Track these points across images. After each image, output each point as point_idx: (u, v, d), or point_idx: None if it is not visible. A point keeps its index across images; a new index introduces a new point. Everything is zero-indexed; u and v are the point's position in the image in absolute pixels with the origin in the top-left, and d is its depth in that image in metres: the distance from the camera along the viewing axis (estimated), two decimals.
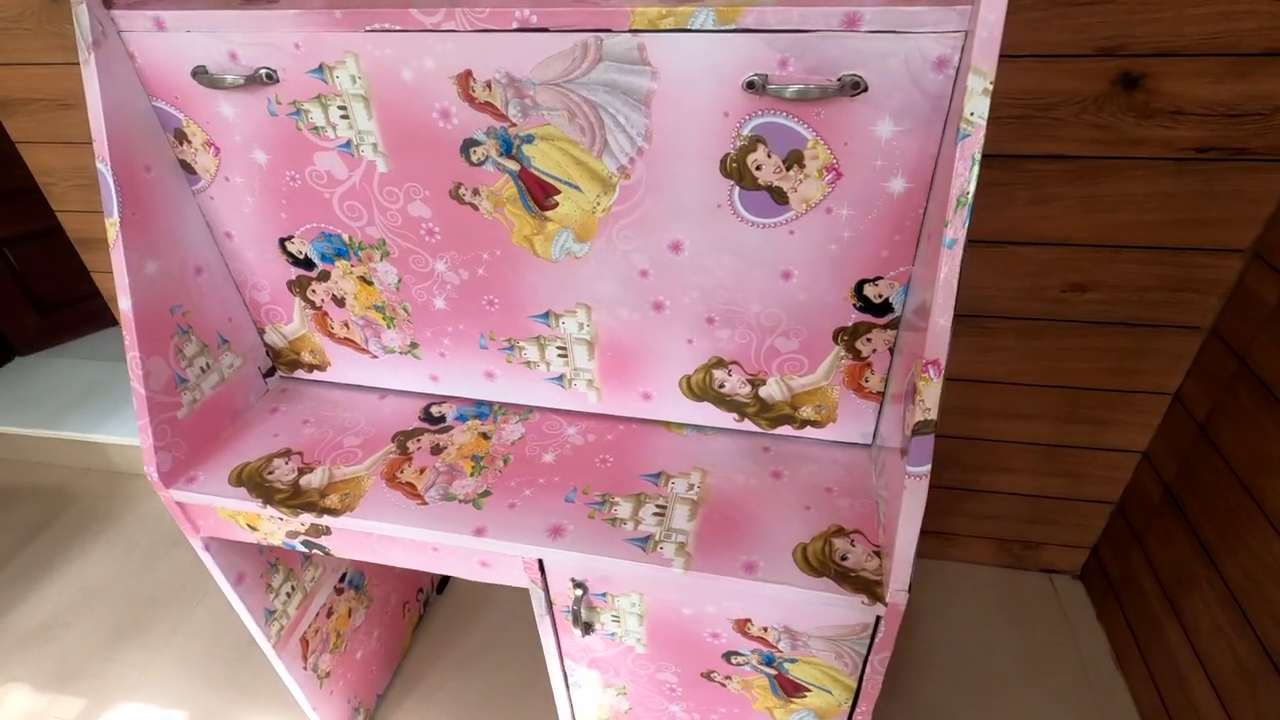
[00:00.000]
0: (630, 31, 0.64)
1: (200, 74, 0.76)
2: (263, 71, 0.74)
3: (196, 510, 0.90)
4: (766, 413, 0.89)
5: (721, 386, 0.88)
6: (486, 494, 0.85)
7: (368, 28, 0.70)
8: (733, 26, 0.62)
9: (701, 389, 0.89)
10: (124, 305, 0.81)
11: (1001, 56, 1.00)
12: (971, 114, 0.57)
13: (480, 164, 0.76)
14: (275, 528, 0.89)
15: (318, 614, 1.21)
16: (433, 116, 0.74)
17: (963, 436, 1.43)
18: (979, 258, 1.20)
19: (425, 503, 0.85)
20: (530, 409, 0.98)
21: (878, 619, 0.74)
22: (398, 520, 0.83)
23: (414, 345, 0.95)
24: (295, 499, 0.86)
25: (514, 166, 0.76)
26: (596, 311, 0.85)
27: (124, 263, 0.80)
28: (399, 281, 0.89)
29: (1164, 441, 1.31)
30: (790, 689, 0.87)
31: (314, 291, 0.93)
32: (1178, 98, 1.00)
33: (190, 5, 0.76)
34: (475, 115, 0.73)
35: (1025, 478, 1.46)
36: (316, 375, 1.04)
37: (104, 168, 0.77)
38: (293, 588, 1.14)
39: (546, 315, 0.87)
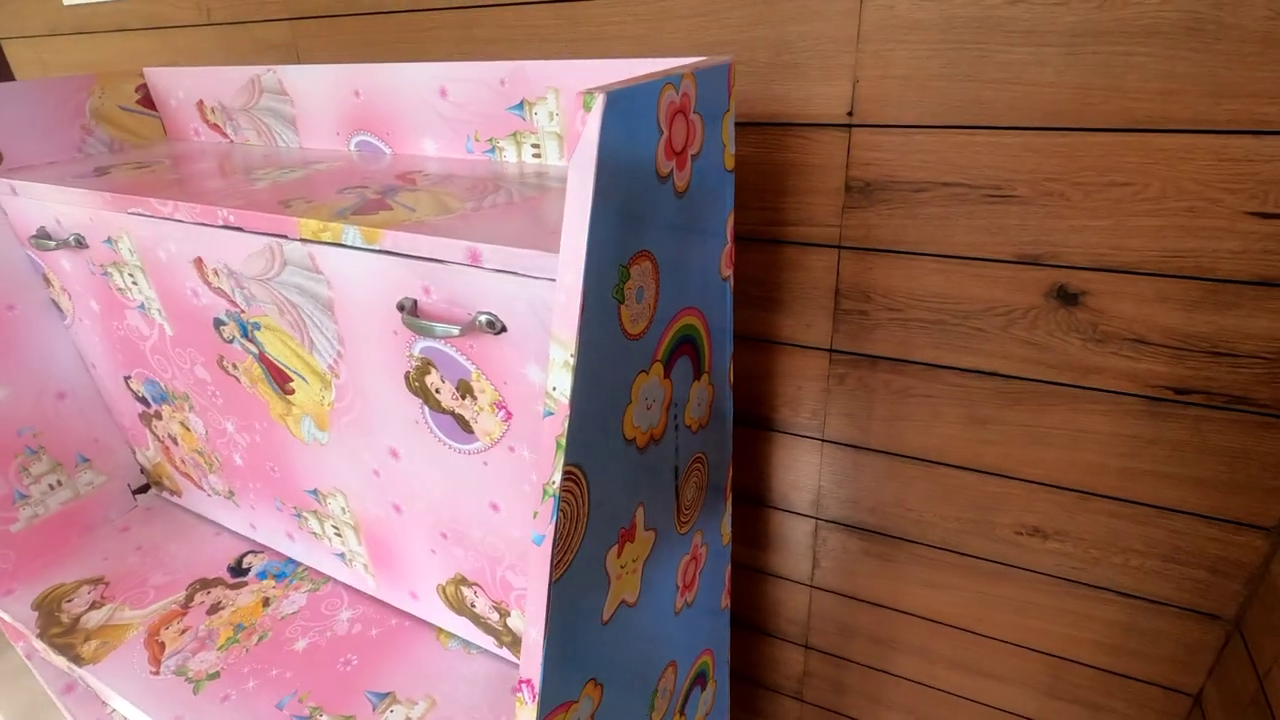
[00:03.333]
0: (300, 240, 0.61)
1: (40, 234, 0.84)
2: (73, 237, 0.80)
3: (7, 625, 0.94)
4: (521, 646, 0.76)
5: (473, 606, 0.77)
6: (215, 675, 0.80)
7: (129, 210, 0.73)
8: (376, 247, 0.56)
9: (458, 603, 0.78)
10: None
11: (897, 252, 0.84)
12: (554, 389, 0.45)
13: (230, 341, 0.75)
14: (58, 661, 0.90)
15: None
16: (188, 293, 0.75)
17: (916, 680, 1.15)
18: (904, 475, 0.98)
19: (158, 673, 0.81)
20: (327, 578, 0.93)
21: None
22: (119, 686, 0.80)
23: (231, 493, 0.95)
24: (63, 637, 0.87)
25: (254, 349, 0.74)
26: (351, 499, 0.79)
27: None
28: (206, 433, 0.90)
29: None
30: None
31: (156, 427, 0.97)
32: (1135, 323, 0.77)
33: (44, 175, 0.84)
34: (215, 298, 0.73)
35: None
36: (177, 500, 1.07)
37: None
38: None
39: (315, 492, 0.82)
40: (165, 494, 1.08)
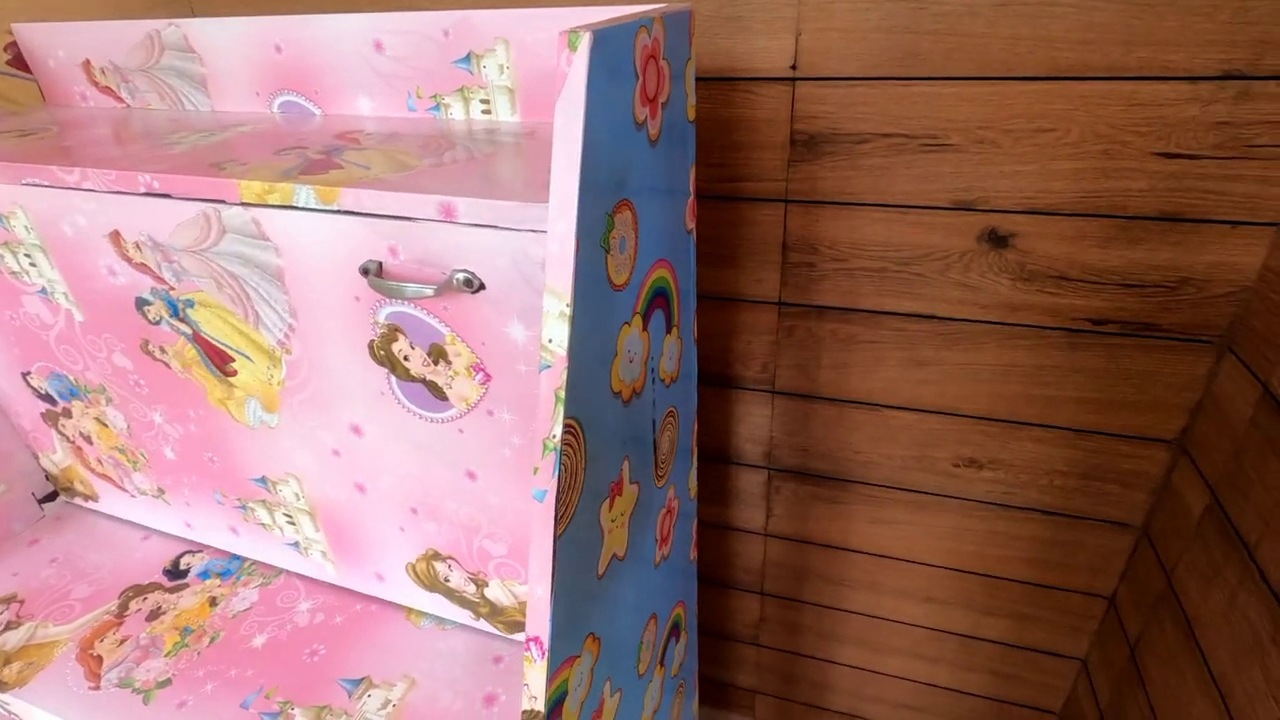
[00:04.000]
0: (242, 205, 0.56)
1: None
2: None
3: None
4: (500, 616, 0.75)
5: (447, 580, 0.75)
6: (166, 683, 0.75)
7: (23, 181, 0.65)
8: (334, 207, 0.53)
9: (430, 579, 0.76)
10: None
11: (841, 204, 0.87)
12: (549, 340, 0.44)
13: (157, 323, 0.69)
14: None
15: None
16: (102, 272, 0.68)
17: (865, 613, 1.22)
18: (850, 420, 1.03)
19: (98, 688, 0.75)
20: (278, 571, 0.88)
21: None
22: (53, 707, 0.73)
23: (161, 490, 0.88)
24: None
25: (187, 329, 0.68)
26: (306, 483, 0.75)
27: None
28: (129, 428, 0.82)
29: (1100, 654, 1.07)
30: None
31: (64, 426, 0.88)
32: (1058, 261, 0.83)
33: None
34: (137, 275, 0.66)
35: (944, 668, 1.23)
36: (92, 505, 0.98)
37: None
38: None
39: (264, 480, 0.77)
40: (78, 500, 0.99)
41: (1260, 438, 0.74)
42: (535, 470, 0.46)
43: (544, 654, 0.49)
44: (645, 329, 0.59)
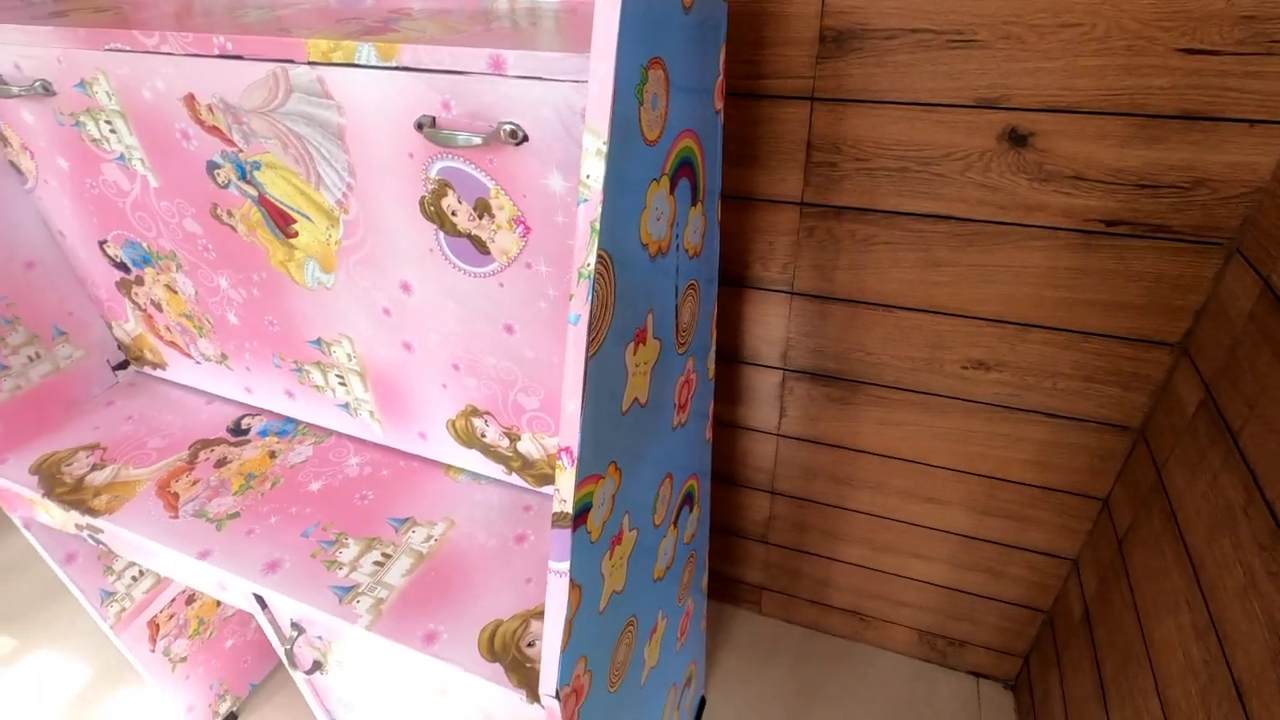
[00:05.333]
0: (309, 64, 0.61)
1: None
2: (39, 83, 0.77)
3: (5, 492, 0.95)
4: (530, 469, 0.83)
5: (484, 436, 0.83)
6: (235, 515, 0.85)
7: (106, 46, 0.70)
8: (393, 64, 0.58)
9: (468, 436, 0.84)
10: None
11: (866, 102, 0.90)
12: (588, 176, 0.50)
13: (225, 186, 0.76)
14: (64, 519, 0.92)
15: (173, 600, 1.25)
16: (176, 136, 0.74)
17: (870, 513, 1.29)
18: (864, 321, 1.07)
19: (177, 516, 0.85)
20: (329, 432, 0.97)
21: None
22: (140, 530, 0.83)
23: (224, 356, 0.96)
24: (72, 494, 0.89)
25: (253, 192, 0.74)
26: (358, 344, 0.82)
27: None
28: (196, 294, 0.90)
29: (1091, 553, 1.13)
30: None
31: (137, 294, 0.96)
32: (1076, 161, 0.85)
33: (3, 15, 0.79)
34: (208, 139, 0.72)
35: (941, 567, 1.30)
36: (160, 374, 1.07)
37: None
38: (141, 572, 1.18)
39: (319, 342, 0.85)
40: (147, 369, 1.08)
41: (1255, 330, 0.77)
42: (571, 296, 0.52)
43: (574, 462, 0.56)
44: (672, 193, 0.64)
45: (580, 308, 0.52)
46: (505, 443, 0.82)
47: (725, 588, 1.57)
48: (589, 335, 0.53)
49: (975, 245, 0.95)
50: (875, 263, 1.02)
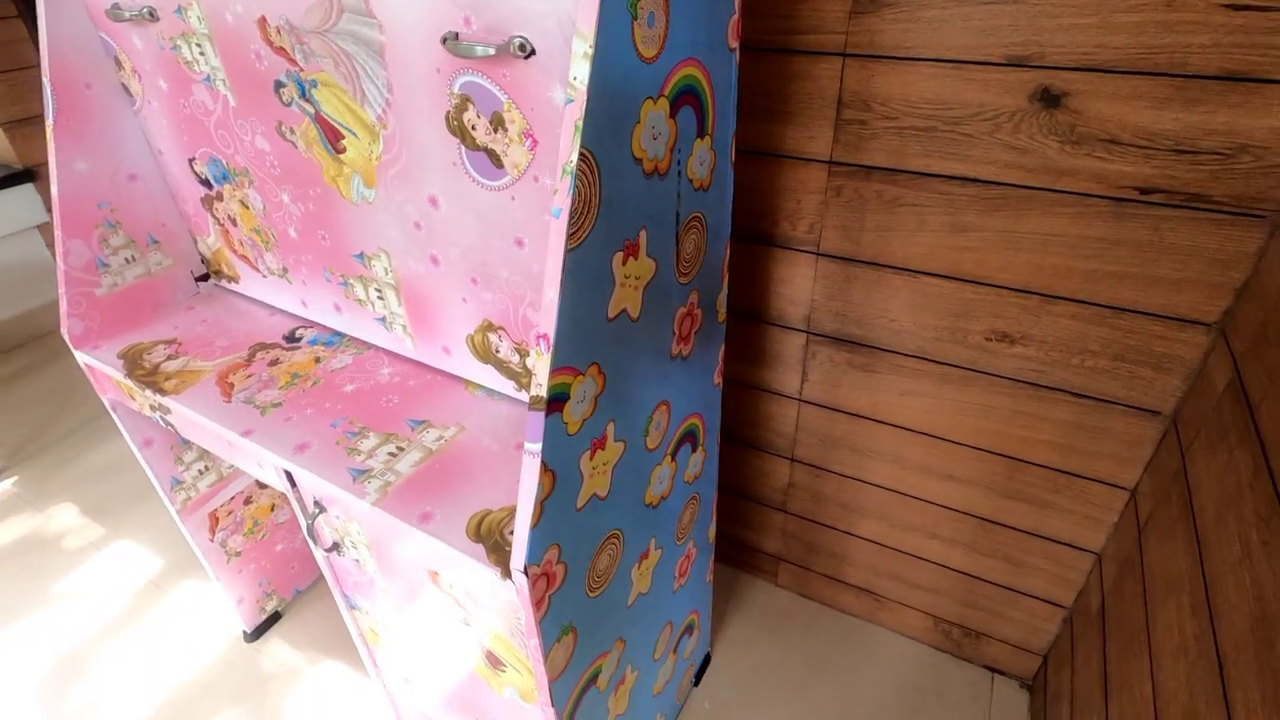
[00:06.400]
0: None
1: (113, 10, 0.92)
2: (146, 10, 0.89)
3: (98, 373, 1.09)
4: None
5: (498, 351, 0.89)
6: (278, 405, 0.94)
7: None
8: None
9: (484, 351, 0.91)
10: (54, 192, 1.00)
11: (897, 58, 0.90)
12: (574, 78, 0.54)
13: (289, 104, 0.85)
14: (142, 400, 1.05)
15: (233, 498, 1.38)
16: (251, 58, 0.84)
17: (887, 487, 1.28)
18: (889, 286, 1.07)
19: (230, 401, 0.96)
20: (369, 346, 1.06)
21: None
22: (197, 409, 0.94)
23: (285, 270, 1.07)
24: (148, 377, 1.01)
25: (310, 109, 0.83)
26: (394, 258, 0.90)
27: (55, 158, 0.99)
28: (264, 209, 1.00)
29: (1114, 546, 1.09)
30: (493, 661, 0.87)
31: (217, 210, 1.08)
32: (1109, 123, 0.83)
33: None
34: (275, 59, 0.81)
35: (959, 551, 1.28)
36: (233, 286, 1.20)
37: (46, 81, 0.96)
38: (206, 467, 1.32)
39: (361, 256, 0.94)
40: (224, 282, 1.21)
41: None
42: (555, 191, 0.57)
43: (549, 349, 0.60)
44: (672, 116, 0.68)
45: (562, 201, 0.57)
46: (516, 358, 0.88)
47: (743, 555, 1.58)
48: (569, 229, 0.57)
49: (1003, 210, 0.94)
50: (902, 225, 1.02)
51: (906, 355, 1.13)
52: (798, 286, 1.16)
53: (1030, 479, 1.13)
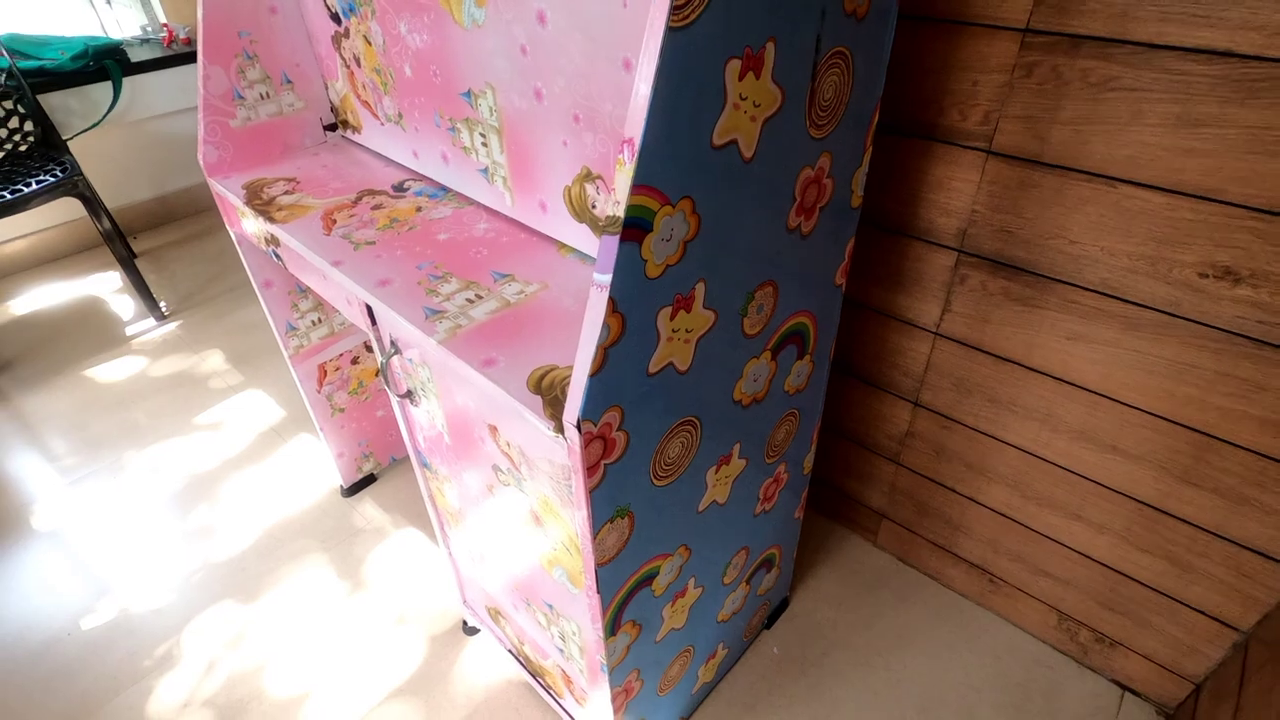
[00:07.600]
0: None
1: None
2: None
3: (226, 203, 1.13)
4: None
5: (594, 206, 0.81)
6: (371, 243, 0.92)
7: None
8: None
9: (580, 206, 0.82)
10: (199, 14, 1.02)
11: None
12: None
13: None
14: (256, 227, 1.07)
15: (341, 354, 1.43)
16: None
17: (1027, 450, 1.09)
18: (1074, 197, 0.87)
19: (329, 235, 0.95)
20: (470, 201, 1.01)
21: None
22: (300, 238, 0.94)
23: (400, 115, 1.03)
24: (264, 207, 1.03)
25: None
26: (499, 94, 0.83)
27: None
28: (385, 44, 0.97)
29: None
30: (540, 529, 0.81)
31: (345, 49, 1.06)
32: None
33: None
34: None
35: (1108, 540, 1.07)
36: (356, 138, 1.19)
37: None
38: (319, 319, 1.36)
39: (469, 94, 0.88)
40: (349, 133, 1.21)
41: None
42: None
43: (633, 157, 0.50)
44: None
45: None
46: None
47: (840, 505, 1.44)
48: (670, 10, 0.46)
49: (1260, 98, 0.71)
50: (1109, 116, 0.81)
51: (1084, 289, 0.92)
52: (956, 193, 0.97)
53: (1226, 464, 0.90)
